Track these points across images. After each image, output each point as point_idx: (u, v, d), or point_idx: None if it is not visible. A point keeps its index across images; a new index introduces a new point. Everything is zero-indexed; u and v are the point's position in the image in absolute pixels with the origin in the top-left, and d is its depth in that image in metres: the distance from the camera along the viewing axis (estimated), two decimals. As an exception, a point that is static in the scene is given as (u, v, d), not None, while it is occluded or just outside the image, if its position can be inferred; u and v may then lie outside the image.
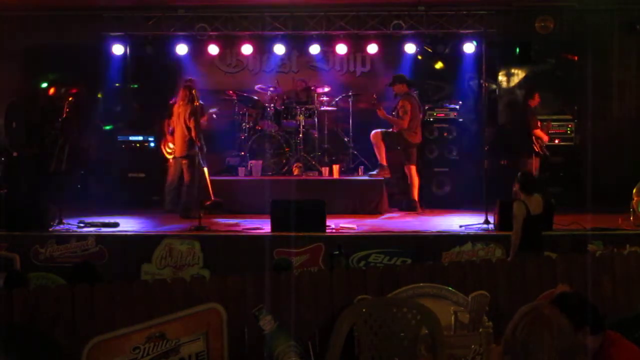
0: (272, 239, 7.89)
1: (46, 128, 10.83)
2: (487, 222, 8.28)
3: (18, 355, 4.05)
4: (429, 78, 11.49)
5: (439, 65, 11.54)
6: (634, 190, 8.54)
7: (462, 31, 10.91)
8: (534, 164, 9.79)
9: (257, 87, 10.94)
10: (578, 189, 9.78)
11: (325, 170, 10.23)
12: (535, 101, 9.99)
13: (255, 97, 10.80)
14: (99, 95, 11.89)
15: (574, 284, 4.59)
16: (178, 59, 11.41)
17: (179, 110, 9.40)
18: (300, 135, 10.41)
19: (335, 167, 10.18)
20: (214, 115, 10.55)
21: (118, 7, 11.02)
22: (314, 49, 11.24)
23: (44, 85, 11.65)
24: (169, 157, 9.97)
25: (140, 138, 10.96)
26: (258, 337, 4.40)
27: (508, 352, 2.52)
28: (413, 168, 9.83)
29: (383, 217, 9.48)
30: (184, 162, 9.39)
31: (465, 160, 10.80)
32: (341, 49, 11.20)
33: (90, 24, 11.30)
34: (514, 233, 6.78)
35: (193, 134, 9.26)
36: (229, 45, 11.48)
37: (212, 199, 9.43)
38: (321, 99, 10.73)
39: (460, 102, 11.02)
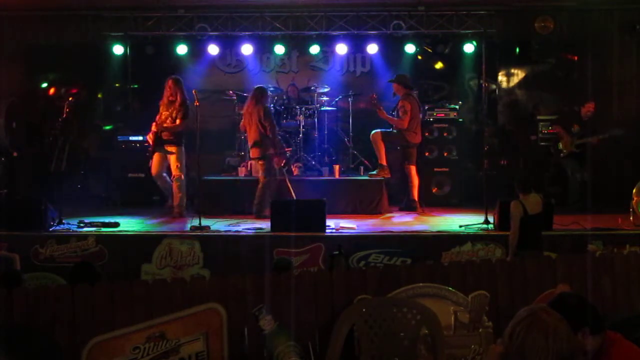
0: (272, 239, 7.88)
1: (46, 128, 10.82)
2: (487, 222, 8.28)
3: (18, 355, 4.05)
4: (429, 78, 11.49)
5: (439, 65, 11.54)
6: (634, 190, 8.54)
7: (462, 31, 10.92)
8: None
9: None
10: (578, 189, 9.77)
11: (325, 170, 10.24)
12: (587, 110, 9.86)
13: (255, 97, 10.79)
14: (99, 95, 11.90)
15: (574, 284, 4.59)
16: (178, 59, 11.42)
17: (251, 111, 9.34)
18: (300, 135, 10.42)
19: (336, 167, 10.17)
20: None
21: (118, 7, 11.03)
22: (314, 49, 11.25)
23: (44, 85, 11.65)
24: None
25: (140, 138, 10.93)
26: (258, 337, 4.40)
27: (506, 356, 2.52)
28: (413, 168, 9.82)
29: (383, 217, 9.48)
30: (260, 162, 9.35)
31: (465, 160, 10.81)
32: (341, 49, 11.20)
33: (90, 24, 11.33)
34: (511, 233, 6.79)
35: (268, 132, 9.24)
36: (229, 45, 11.48)
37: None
38: (321, 99, 10.74)
39: (460, 102, 11.03)
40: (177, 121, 9.16)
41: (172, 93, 9.21)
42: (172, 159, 9.22)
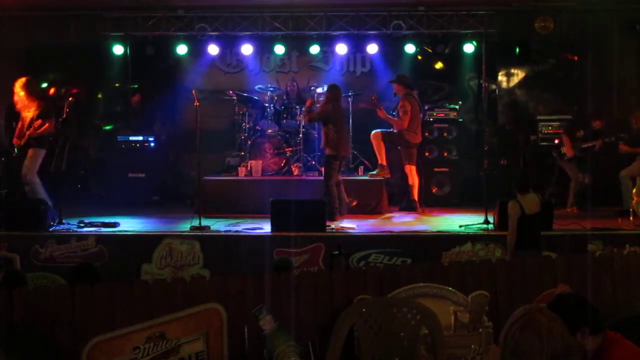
0: (272, 239, 7.88)
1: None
2: (487, 222, 8.27)
3: (18, 355, 4.05)
4: (429, 78, 11.50)
5: (439, 65, 11.54)
6: (634, 191, 8.55)
7: (462, 31, 10.93)
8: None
9: (257, 87, 10.95)
10: (579, 190, 9.77)
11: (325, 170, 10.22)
12: (596, 125, 9.82)
13: (255, 97, 10.81)
14: (99, 95, 11.91)
15: (574, 284, 4.60)
16: (178, 59, 11.44)
17: (341, 112, 9.33)
18: (300, 135, 10.41)
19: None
20: None
21: (118, 7, 11.04)
22: (314, 49, 11.26)
23: (44, 85, 11.65)
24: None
25: (140, 138, 10.98)
26: (258, 337, 4.39)
27: (503, 356, 2.53)
28: (413, 168, 9.82)
29: (383, 217, 9.48)
30: (343, 162, 9.34)
31: (465, 160, 10.81)
32: (341, 49, 11.21)
33: (90, 24, 11.32)
34: (509, 233, 6.79)
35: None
36: (229, 45, 11.49)
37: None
38: (321, 99, 10.72)
39: (460, 102, 11.03)
40: (45, 126, 8.70)
41: (23, 97, 8.80)
42: (27, 159, 8.80)
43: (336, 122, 9.18)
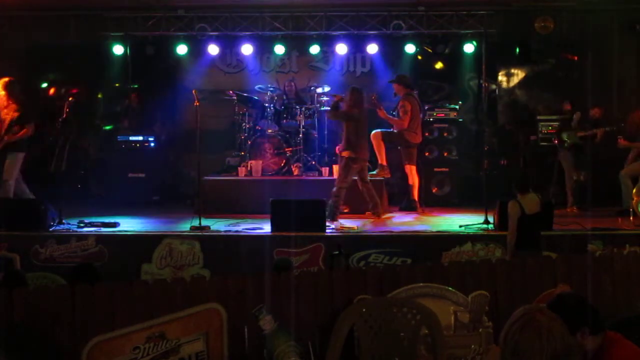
0: (272, 239, 7.89)
1: (46, 128, 10.83)
2: (487, 222, 8.28)
3: (18, 355, 4.05)
4: (429, 78, 11.50)
5: (439, 65, 11.55)
6: (634, 191, 8.55)
7: (462, 31, 10.94)
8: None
9: (257, 87, 10.96)
10: (579, 189, 9.77)
11: (325, 170, 10.23)
12: (594, 113, 9.85)
13: (255, 97, 10.81)
14: (99, 95, 11.92)
15: (574, 284, 4.59)
16: (178, 59, 11.44)
17: (366, 115, 9.27)
18: (300, 135, 10.41)
19: (335, 167, 10.14)
20: None
21: (118, 7, 11.04)
22: (314, 49, 11.26)
23: (44, 85, 11.66)
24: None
25: (140, 138, 10.98)
26: (258, 337, 4.39)
27: (503, 356, 2.53)
28: (413, 168, 9.82)
29: (383, 217, 9.47)
30: (365, 164, 9.29)
31: (465, 160, 10.81)
32: (341, 49, 11.21)
33: (90, 24, 11.33)
34: (509, 233, 6.80)
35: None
36: (229, 45, 11.49)
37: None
38: (321, 99, 10.73)
39: (460, 102, 11.03)
40: (23, 130, 8.72)
41: (3, 97, 8.78)
42: (6, 163, 8.77)
43: (358, 124, 9.16)
